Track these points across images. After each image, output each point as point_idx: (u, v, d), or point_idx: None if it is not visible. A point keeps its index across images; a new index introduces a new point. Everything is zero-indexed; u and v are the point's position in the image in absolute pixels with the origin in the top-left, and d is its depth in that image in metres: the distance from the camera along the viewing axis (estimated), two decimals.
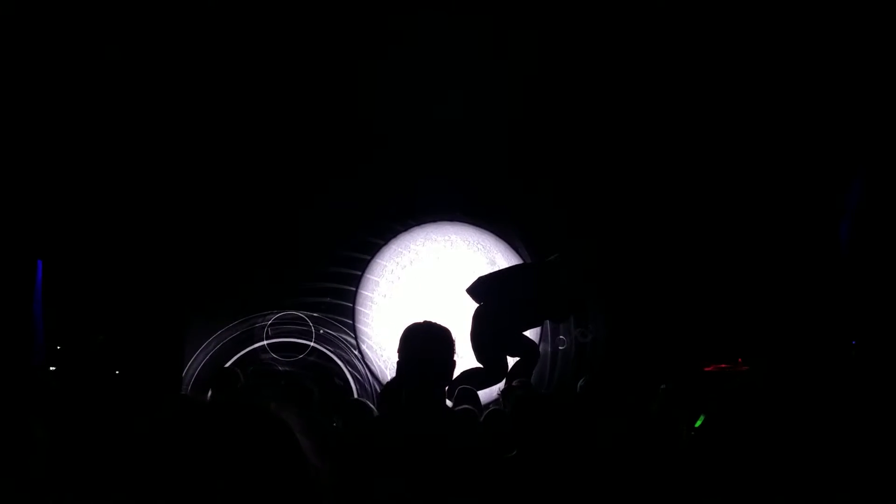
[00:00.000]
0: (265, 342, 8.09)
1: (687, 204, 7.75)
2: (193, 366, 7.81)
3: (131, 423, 3.50)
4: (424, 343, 2.57)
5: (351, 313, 8.68)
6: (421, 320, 2.67)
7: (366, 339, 8.61)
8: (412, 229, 8.75)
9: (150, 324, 7.14)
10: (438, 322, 2.65)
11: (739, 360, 6.68)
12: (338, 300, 8.64)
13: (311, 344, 8.26)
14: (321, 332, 8.33)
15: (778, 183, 7.33)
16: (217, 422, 1.16)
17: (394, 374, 4.34)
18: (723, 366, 6.68)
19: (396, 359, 2.61)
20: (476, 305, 7.41)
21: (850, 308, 6.75)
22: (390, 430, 2.57)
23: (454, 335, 2.66)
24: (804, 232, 7.33)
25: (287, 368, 8.04)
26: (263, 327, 8.15)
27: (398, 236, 8.74)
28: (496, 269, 8.16)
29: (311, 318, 8.33)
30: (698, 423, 4.16)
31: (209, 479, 1.09)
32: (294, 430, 1.20)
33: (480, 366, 7.37)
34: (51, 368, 6.18)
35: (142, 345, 6.88)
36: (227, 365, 7.37)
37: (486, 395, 7.33)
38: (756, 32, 6.76)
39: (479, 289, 7.51)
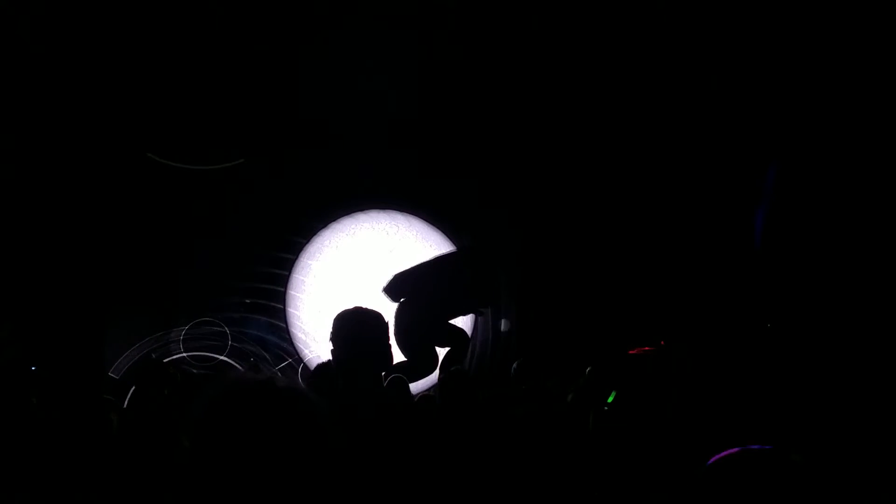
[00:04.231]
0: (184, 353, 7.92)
1: (615, 192, 7.93)
2: (117, 362, 7.59)
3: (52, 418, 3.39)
4: (357, 328, 2.56)
5: (282, 300, 8.59)
6: (351, 307, 2.66)
7: (299, 328, 8.55)
8: (336, 222, 8.71)
9: (68, 321, 6.88)
10: (368, 307, 2.65)
11: (662, 342, 6.88)
12: (265, 299, 8.55)
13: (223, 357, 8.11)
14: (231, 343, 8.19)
15: (695, 171, 7.56)
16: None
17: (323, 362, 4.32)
18: (646, 349, 6.87)
19: (330, 347, 2.59)
20: (396, 304, 7.45)
21: (766, 292, 7.04)
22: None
23: (385, 320, 2.66)
24: (721, 219, 7.59)
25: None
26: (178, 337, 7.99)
27: (320, 233, 8.69)
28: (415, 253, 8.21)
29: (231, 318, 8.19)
30: (610, 399, 4.31)
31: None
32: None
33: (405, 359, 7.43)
34: None
35: (58, 341, 6.62)
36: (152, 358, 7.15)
37: (429, 382, 7.42)
38: (672, 21, 6.95)
39: (396, 287, 7.56)
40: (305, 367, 8.30)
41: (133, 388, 4.91)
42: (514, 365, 5.68)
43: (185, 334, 8.07)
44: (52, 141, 7.09)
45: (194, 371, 7.39)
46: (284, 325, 8.55)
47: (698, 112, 7.42)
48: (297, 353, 8.48)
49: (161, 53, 7.20)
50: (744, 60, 6.97)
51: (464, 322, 8.32)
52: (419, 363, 7.47)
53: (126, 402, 5.13)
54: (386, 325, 2.64)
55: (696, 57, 7.12)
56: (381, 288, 7.55)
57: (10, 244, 6.79)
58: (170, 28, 7.04)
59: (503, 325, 8.46)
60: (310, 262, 8.62)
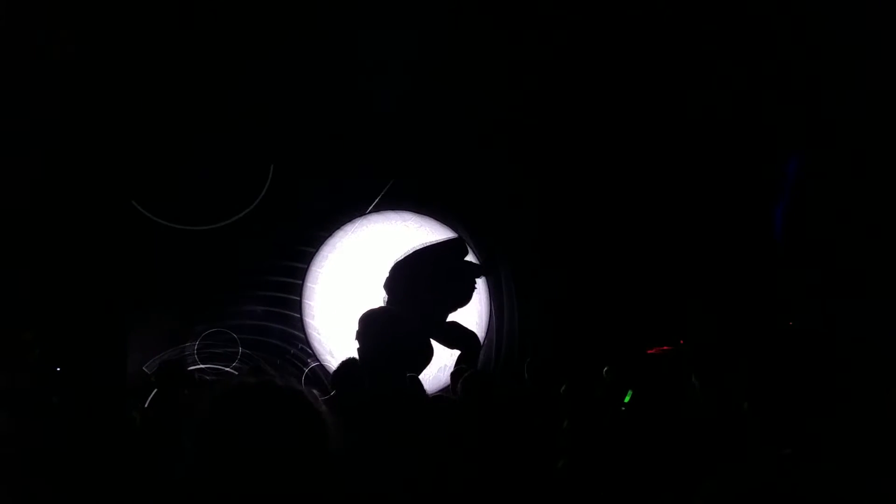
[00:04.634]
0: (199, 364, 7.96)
1: (632, 190, 7.88)
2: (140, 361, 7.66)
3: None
4: (383, 327, 2.57)
5: (298, 307, 8.62)
6: (377, 306, 2.67)
7: (314, 332, 8.56)
8: (352, 221, 8.72)
9: (88, 322, 6.97)
10: (394, 306, 2.67)
11: (681, 342, 6.84)
12: (285, 294, 8.58)
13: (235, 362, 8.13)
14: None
15: (715, 167, 7.50)
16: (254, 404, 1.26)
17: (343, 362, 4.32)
18: (665, 348, 6.84)
19: (357, 345, 2.60)
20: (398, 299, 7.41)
21: (786, 290, 6.97)
22: (356, 418, 2.56)
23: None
24: (741, 217, 7.53)
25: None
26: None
27: (339, 229, 8.71)
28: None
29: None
30: (627, 399, 4.30)
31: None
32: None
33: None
34: None
35: (78, 343, 6.70)
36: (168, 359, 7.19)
37: (436, 384, 7.38)
38: (694, 12, 6.89)
39: (392, 282, 7.52)
40: (313, 371, 8.30)
41: (155, 390, 4.97)
42: (526, 363, 5.67)
43: (198, 345, 8.11)
44: (78, 148, 7.17)
45: (207, 378, 7.43)
46: (303, 336, 8.58)
47: (720, 107, 7.35)
48: (316, 358, 8.50)
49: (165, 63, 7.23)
50: (762, 53, 6.91)
51: (477, 324, 8.30)
52: (419, 352, 7.40)
53: (148, 402, 5.18)
54: (411, 323, 2.65)
55: (715, 50, 7.06)
56: (383, 285, 7.50)
57: (37, 248, 6.89)
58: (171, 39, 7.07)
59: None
60: (319, 271, 8.64)
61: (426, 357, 7.29)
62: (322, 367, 8.38)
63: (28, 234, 6.96)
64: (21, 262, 6.84)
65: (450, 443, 2.53)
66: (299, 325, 8.61)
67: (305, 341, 8.54)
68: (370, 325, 2.60)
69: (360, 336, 2.60)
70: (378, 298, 7.85)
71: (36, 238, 6.98)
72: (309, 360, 8.40)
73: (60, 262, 7.05)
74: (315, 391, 1.41)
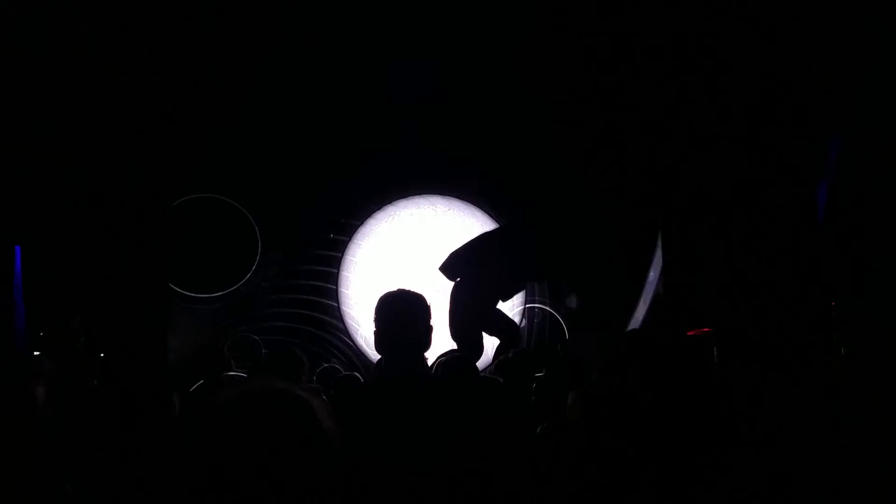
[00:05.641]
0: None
1: (671, 171, 7.77)
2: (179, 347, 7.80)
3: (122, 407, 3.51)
4: (399, 310, 2.57)
5: (334, 295, 8.70)
6: (394, 289, 2.66)
7: (349, 315, 8.64)
8: (385, 207, 8.76)
9: (131, 306, 7.10)
10: (411, 289, 2.66)
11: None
12: (320, 282, 8.66)
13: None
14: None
15: (755, 150, 7.34)
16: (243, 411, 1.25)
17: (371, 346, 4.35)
18: (705, 330, 6.77)
19: (373, 328, 2.61)
20: (453, 283, 7.30)
21: (830, 270, 6.81)
22: (371, 399, 2.57)
23: (428, 301, 2.67)
24: (782, 197, 7.36)
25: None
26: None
27: (372, 215, 8.76)
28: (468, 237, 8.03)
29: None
30: None
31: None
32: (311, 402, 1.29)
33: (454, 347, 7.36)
34: (35, 354, 6.12)
35: (123, 326, 6.85)
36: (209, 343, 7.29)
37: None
38: None
39: (452, 264, 7.38)
40: (326, 371, 8.32)
41: (199, 378, 5.05)
42: (559, 346, 5.66)
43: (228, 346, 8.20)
44: (118, 144, 7.28)
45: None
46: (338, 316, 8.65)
47: (752, 87, 7.18)
48: (350, 332, 8.58)
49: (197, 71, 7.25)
50: (807, 31, 6.72)
51: (512, 310, 8.25)
52: (470, 349, 7.33)
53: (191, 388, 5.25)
54: (428, 306, 2.64)
55: (756, 26, 6.88)
56: (438, 266, 7.36)
57: (82, 236, 7.04)
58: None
59: (571, 301, 8.27)
60: (352, 258, 8.70)
61: (479, 349, 7.13)
62: (343, 364, 8.44)
63: (76, 224, 7.11)
64: (69, 251, 7.00)
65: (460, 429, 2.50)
66: (336, 311, 8.69)
67: (340, 318, 8.63)
68: (384, 307, 2.61)
69: (375, 317, 2.62)
70: (408, 277, 7.82)
71: (84, 227, 7.13)
72: (332, 360, 8.49)
73: (107, 250, 7.18)
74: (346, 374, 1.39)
